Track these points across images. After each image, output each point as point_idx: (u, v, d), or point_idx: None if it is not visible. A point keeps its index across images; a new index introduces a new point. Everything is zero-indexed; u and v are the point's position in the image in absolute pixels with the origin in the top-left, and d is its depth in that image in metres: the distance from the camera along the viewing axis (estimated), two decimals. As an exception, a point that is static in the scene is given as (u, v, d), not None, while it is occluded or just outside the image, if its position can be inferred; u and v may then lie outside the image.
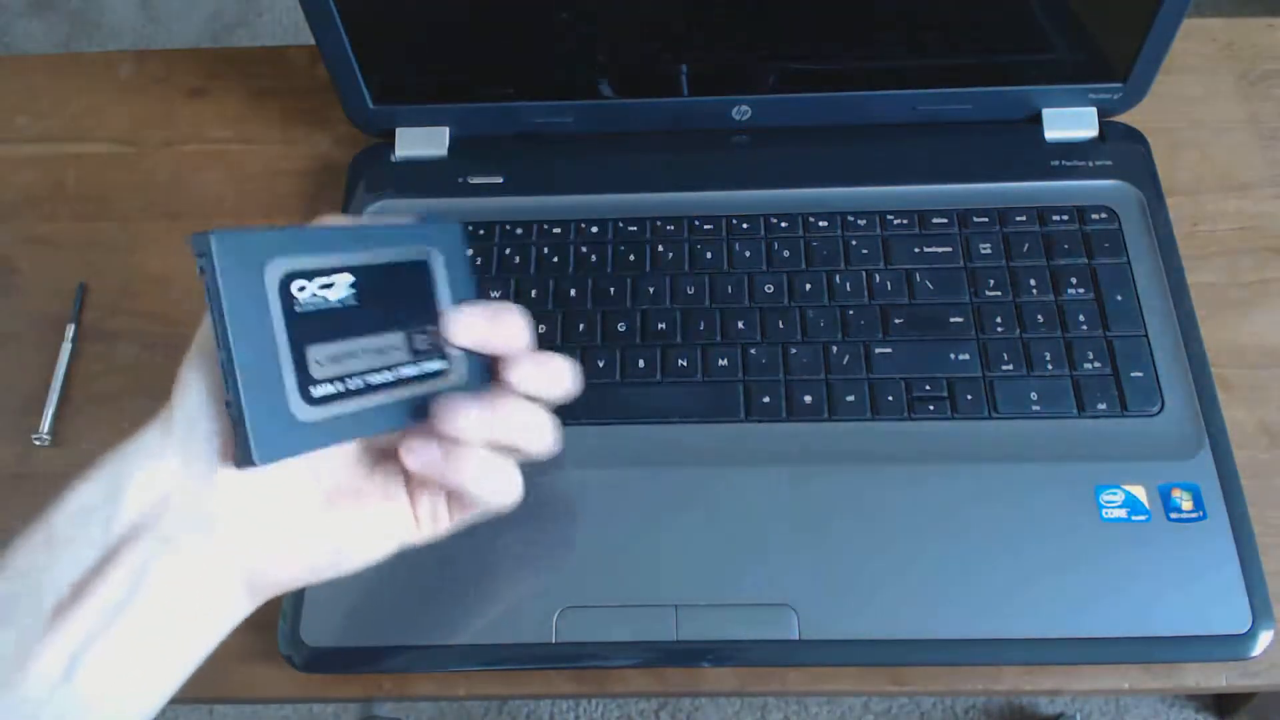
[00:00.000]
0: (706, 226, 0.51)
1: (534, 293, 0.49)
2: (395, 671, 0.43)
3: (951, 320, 0.48)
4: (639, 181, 0.53)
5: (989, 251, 0.49)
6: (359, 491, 0.33)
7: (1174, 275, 0.48)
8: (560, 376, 0.35)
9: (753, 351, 0.47)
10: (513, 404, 0.33)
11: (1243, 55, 0.58)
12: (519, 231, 0.51)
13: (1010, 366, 0.46)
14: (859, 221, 0.51)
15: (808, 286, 0.49)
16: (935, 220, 0.50)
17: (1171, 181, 0.53)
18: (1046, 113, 0.53)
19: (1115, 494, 0.43)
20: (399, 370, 0.33)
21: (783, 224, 0.51)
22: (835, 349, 0.47)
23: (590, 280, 0.50)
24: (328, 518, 0.32)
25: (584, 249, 0.50)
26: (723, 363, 0.47)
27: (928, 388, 0.46)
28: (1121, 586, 0.41)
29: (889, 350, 0.47)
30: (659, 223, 0.51)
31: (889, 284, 0.49)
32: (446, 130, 0.54)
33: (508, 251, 0.51)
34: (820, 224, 0.51)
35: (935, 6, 0.48)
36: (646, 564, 0.42)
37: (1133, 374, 0.46)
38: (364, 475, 0.34)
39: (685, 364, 0.47)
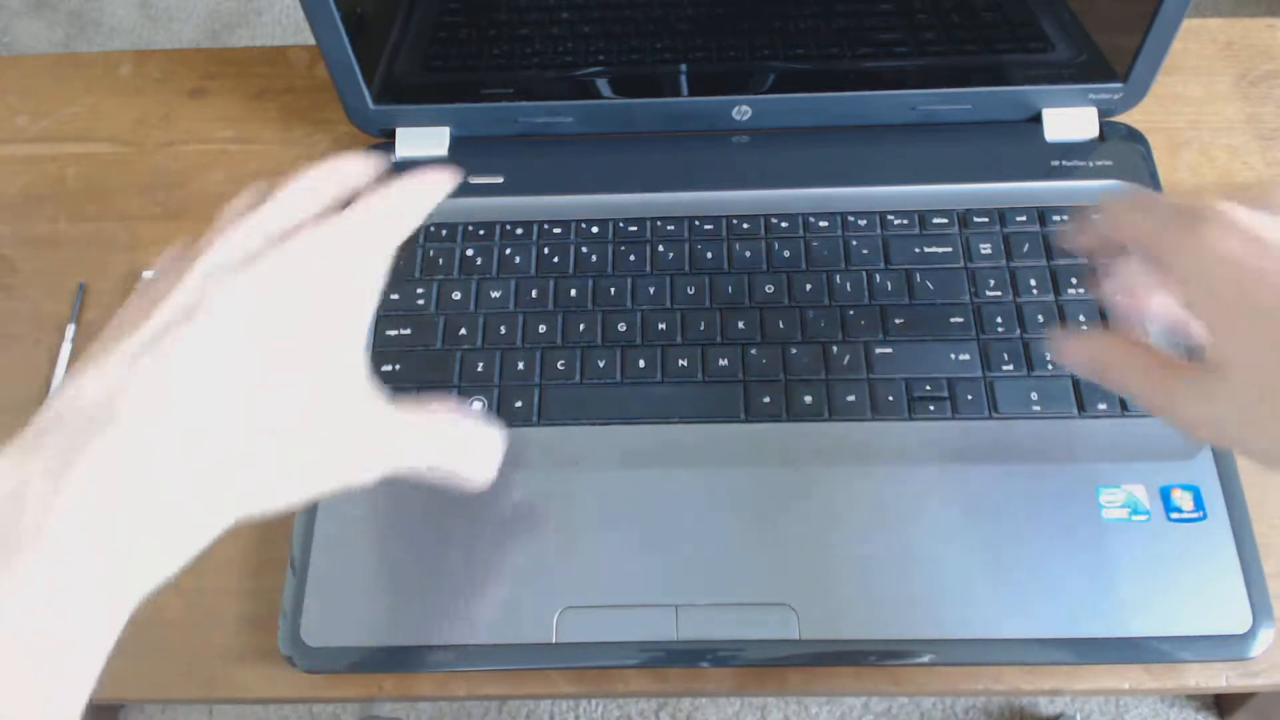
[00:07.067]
0: (706, 226, 0.51)
1: (534, 293, 0.49)
2: (395, 671, 0.43)
3: (951, 320, 0.48)
4: (639, 181, 0.53)
5: (989, 251, 0.49)
6: None
7: (1174, 275, 0.48)
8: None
9: (753, 351, 0.47)
10: None
11: (1243, 55, 0.58)
12: (519, 231, 0.51)
13: (1010, 366, 0.46)
14: (859, 221, 0.51)
15: (808, 286, 0.49)
16: (935, 220, 0.50)
17: (1171, 181, 0.53)
18: (1046, 113, 0.53)
19: (1115, 494, 0.43)
20: None
21: (783, 224, 0.51)
22: (835, 349, 0.47)
23: (590, 280, 0.50)
24: None
25: (584, 249, 0.50)
26: (723, 363, 0.47)
27: (928, 388, 0.46)
28: (1122, 586, 0.41)
29: (889, 350, 0.47)
30: (659, 223, 0.51)
31: (889, 284, 0.49)
32: (446, 130, 0.54)
33: (508, 251, 0.51)
34: (820, 224, 0.51)
35: (935, 7, 0.49)
36: (646, 564, 0.42)
37: (1133, 374, 0.46)
38: None
39: (685, 364, 0.47)
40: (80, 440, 0.25)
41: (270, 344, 0.28)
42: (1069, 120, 0.53)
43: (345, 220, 0.31)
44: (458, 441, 0.34)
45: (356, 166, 0.34)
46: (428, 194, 0.34)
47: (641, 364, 0.47)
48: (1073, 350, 0.35)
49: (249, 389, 0.28)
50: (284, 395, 0.28)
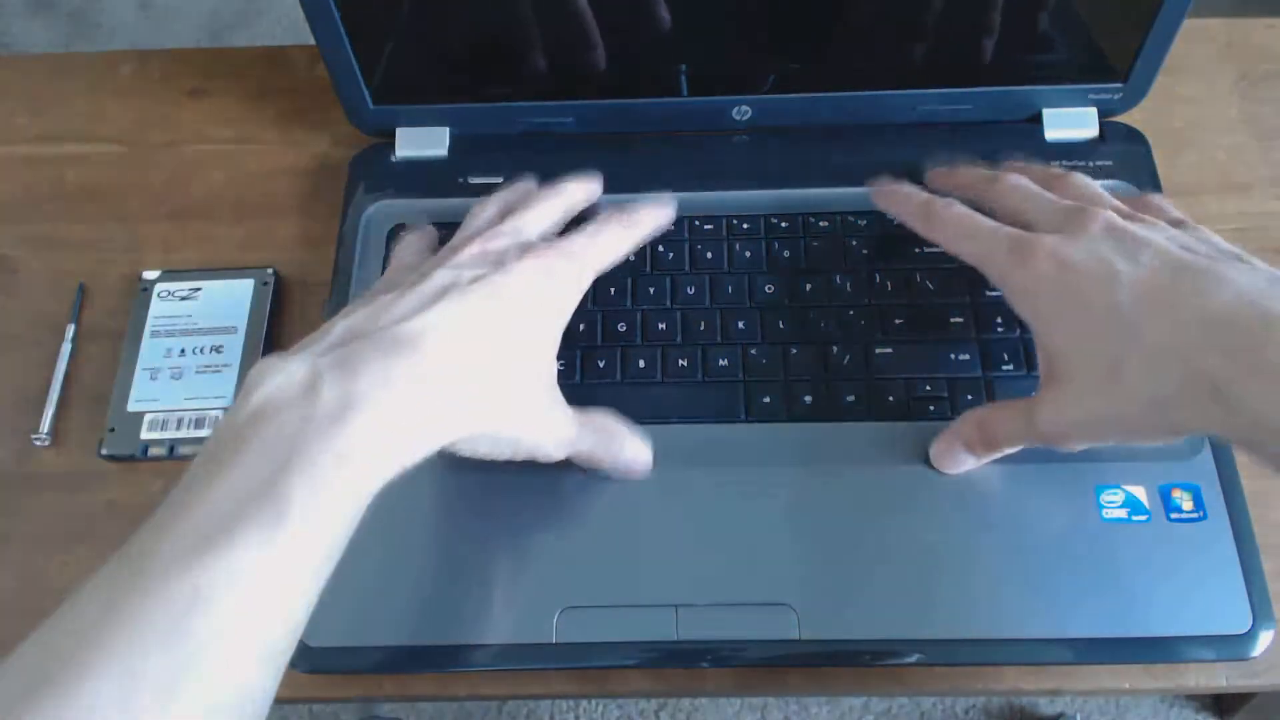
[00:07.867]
0: (707, 226, 0.51)
1: (534, 293, 0.49)
2: (395, 671, 0.43)
3: (951, 320, 0.48)
4: (639, 181, 0.52)
5: (989, 251, 0.49)
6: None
7: (1174, 275, 0.48)
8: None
9: (753, 352, 0.47)
10: None
11: (1243, 55, 0.58)
12: (519, 231, 0.51)
13: (1010, 366, 0.46)
14: (859, 222, 0.51)
15: (808, 287, 0.49)
16: (935, 220, 0.50)
17: (1171, 181, 0.53)
18: (1047, 113, 0.53)
19: (1116, 494, 0.43)
20: None
21: (783, 224, 0.51)
22: (835, 349, 0.47)
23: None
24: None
25: (584, 249, 0.50)
26: (723, 363, 0.47)
27: (928, 388, 0.46)
28: (1122, 586, 0.41)
29: (889, 350, 0.47)
30: (659, 223, 0.51)
31: (889, 284, 0.49)
32: (446, 130, 0.54)
33: (508, 251, 0.50)
34: (820, 224, 0.51)
35: (936, 7, 0.48)
36: (646, 564, 0.42)
37: (1133, 374, 0.46)
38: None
39: (685, 364, 0.47)
40: (394, 353, 0.33)
41: (499, 332, 0.37)
42: (1069, 120, 0.53)
43: (566, 249, 0.40)
44: (615, 438, 0.42)
45: (582, 191, 0.46)
46: (639, 231, 0.44)
47: (641, 364, 0.47)
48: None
49: (487, 359, 0.36)
50: (506, 371, 0.37)
